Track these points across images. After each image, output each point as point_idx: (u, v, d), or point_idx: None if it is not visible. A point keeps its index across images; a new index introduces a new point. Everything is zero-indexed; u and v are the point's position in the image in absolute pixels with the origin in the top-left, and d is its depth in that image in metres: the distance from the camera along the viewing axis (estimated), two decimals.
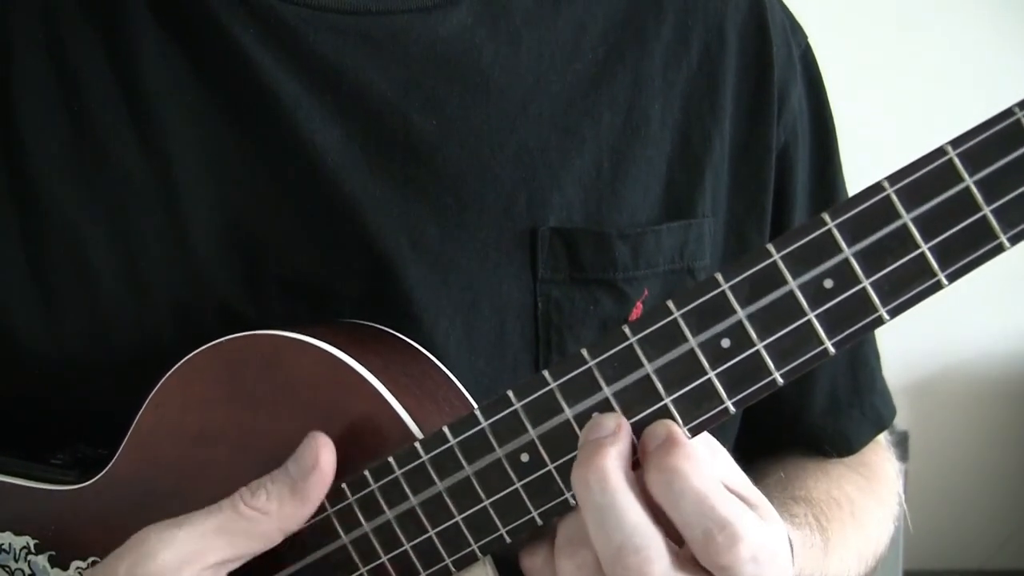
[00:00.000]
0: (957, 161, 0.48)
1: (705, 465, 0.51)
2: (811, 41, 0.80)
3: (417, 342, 0.66)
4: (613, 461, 0.51)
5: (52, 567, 0.64)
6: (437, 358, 0.65)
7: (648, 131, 0.71)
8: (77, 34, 0.67)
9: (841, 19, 2.60)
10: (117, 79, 0.67)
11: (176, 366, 0.61)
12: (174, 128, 0.66)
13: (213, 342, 0.60)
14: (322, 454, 0.57)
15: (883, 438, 0.86)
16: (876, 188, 0.49)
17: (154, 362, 0.62)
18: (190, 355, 0.61)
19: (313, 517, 0.58)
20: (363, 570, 0.58)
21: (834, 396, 0.81)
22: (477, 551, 0.56)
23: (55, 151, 0.66)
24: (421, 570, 0.57)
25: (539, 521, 0.55)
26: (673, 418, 0.52)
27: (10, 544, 0.65)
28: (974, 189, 0.48)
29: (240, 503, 0.57)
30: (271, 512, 0.57)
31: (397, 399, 0.58)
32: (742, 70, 0.74)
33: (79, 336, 0.66)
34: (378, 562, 0.58)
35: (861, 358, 0.82)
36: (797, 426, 0.81)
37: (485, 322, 0.68)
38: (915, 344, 2.70)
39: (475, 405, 0.58)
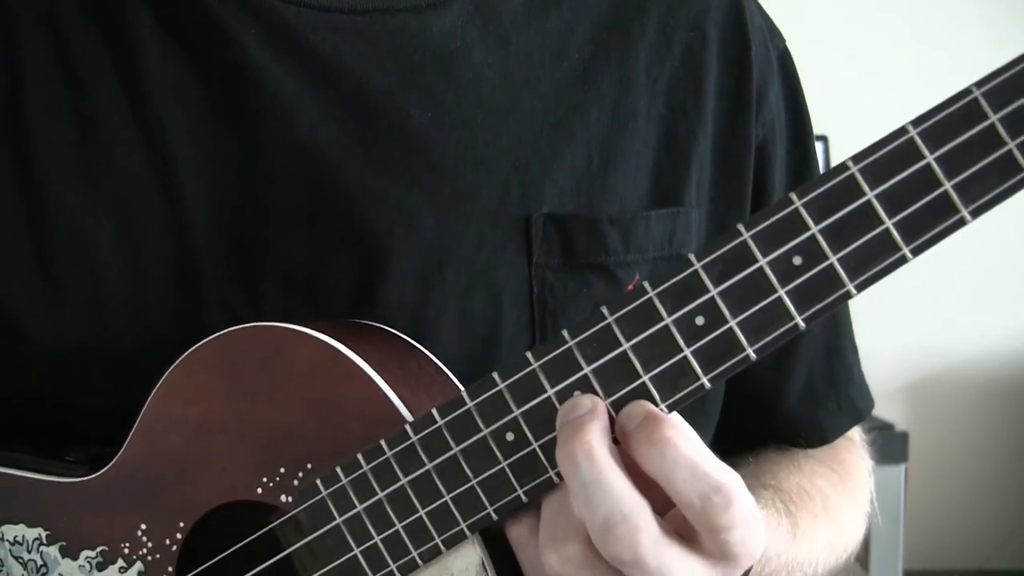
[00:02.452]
0: (918, 139, 0.50)
1: (691, 434, 0.53)
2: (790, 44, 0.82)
3: (412, 329, 0.68)
4: (597, 436, 0.53)
5: (63, 557, 0.66)
6: (432, 344, 0.67)
7: (635, 125, 0.74)
8: (81, 39, 0.70)
9: (823, 24, 2.62)
10: (120, 81, 0.70)
11: (182, 357, 0.63)
12: (176, 127, 0.69)
13: (216, 333, 0.62)
14: None
15: (857, 436, 0.87)
16: (841, 167, 0.51)
17: (152, 360, 0.64)
18: (195, 346, 0.62)
19: (309, 500, 0.60)
20: (356, 551, 0.59)
21: (811, 386, 0.82)
22: (465, 529, 0.57)
23: (62, 152, 0.69)
24: (412, 549, 0.58)
25: (524, 499, 0.56)
26: (651, 395, 0.54)
27: (23, 536, 0.67)
28: (935, 166, 0.50)
29: None
30: None
31: (392, 389, 0.60)
32: (723, 68, 0.76)
33: (81, 329, 0.68)
34: (371, 542, 0.59)
35: (838, 350, 0.83)
36: (774, 416, 0.82)
37: (480, 307, 0.70)
38: (915, 344, 2.69)
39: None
